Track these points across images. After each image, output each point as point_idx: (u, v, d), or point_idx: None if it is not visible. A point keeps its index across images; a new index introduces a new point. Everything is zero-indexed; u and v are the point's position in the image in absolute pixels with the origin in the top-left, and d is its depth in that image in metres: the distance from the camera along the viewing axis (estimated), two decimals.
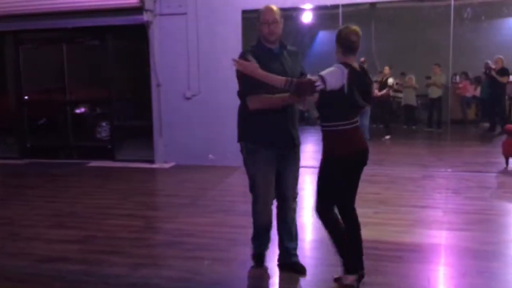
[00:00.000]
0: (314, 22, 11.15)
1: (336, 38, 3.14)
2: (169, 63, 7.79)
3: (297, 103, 3.34)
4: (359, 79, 3.07)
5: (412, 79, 12.09)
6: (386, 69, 10.82)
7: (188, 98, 7.81)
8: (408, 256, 3.74)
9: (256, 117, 3.29)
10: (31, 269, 3.69)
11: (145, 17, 7.48)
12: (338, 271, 3.27)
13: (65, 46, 8.61)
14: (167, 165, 7.90)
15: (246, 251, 3.97)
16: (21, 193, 6.39)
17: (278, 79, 3.04)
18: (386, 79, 10.69)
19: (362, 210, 5.04)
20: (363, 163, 3.19)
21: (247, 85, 3.27)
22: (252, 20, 10.37)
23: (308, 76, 3.23)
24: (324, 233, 4.39)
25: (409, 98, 12.30)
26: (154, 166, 7.93)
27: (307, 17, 10.59)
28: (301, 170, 7.71)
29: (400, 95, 12.77)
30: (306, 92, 3.06)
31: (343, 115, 3.08)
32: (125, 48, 8.94)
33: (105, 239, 4.36)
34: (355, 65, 3.13)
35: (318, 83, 2.96)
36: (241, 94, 3.38)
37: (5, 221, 5.00)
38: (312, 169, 7.49)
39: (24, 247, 4.17)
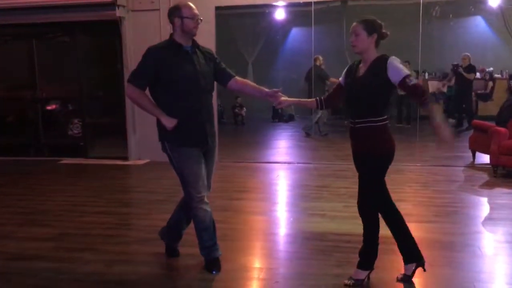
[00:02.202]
0: (287, 19, 11.23)
1: (370, 28, 3.03)
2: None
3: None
4: None
5: None
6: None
7: None
8: (380, 248, 3.81)
9: (172, 116, 3.28)
10: (2, 268, 3.64)
11: (118, 12, 7.40)
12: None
13: (35, 42, 8.45)
14: (141, 162, 7.85)
15: (223, 245, 3.98)
16: None
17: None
18: None
19: (332, 204, 5.21)
20: None
21: (133, 74, 3.34)
22: (225, 16, 10.44)
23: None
24: (296, 227, 4.53)
25: None
26: (127, 163, 7.88)
27: (280, 14, 10.65)
28: (276, 166, 7.80)
29: None
30: (423, 93, 2.96)
31: (388, 108, 3.07)
32: (97, 44, 8.81)
33: (79, 237, 4.33)
34: None
35: (414, 80, 2.92)
36: (129, 79, 3.36)
37: None
38: (286, 165, 7.61)
39: None
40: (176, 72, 3.27)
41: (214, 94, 8.04)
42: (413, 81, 2.91)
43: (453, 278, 3.34)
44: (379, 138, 3.05)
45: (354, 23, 3.07)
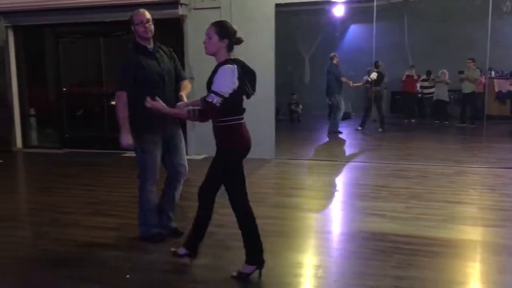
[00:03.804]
0: (346, 16, 11.09)
1: (222, 33, 3.13)
2: (202, 57, 7.78)
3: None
4: (246, 71, 3.18)
5: (445, 73, 11.92)
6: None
7: None
8: (443, 251, 3.72)
9: (138, 107, 3.60)
10: (72, 254, 3.83)
11: (180, 11, 7.59)
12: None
13: (102, 40, 8.82)
14: (199, 157, 8.00)
15: (278, 241, 4.05)
16: (61, 181, 6.60)
17: (183, 114, 3.30)
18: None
19: (392, 205, 5.10)
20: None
21: (122, 82, 3.77)
22: (285, 14, 10.41)
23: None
24: (354, 226, 4.47)
25: (441, 93, 12.15)
26: (187, 157, 8.03)
27: (339, 11, 10.55)
28: (332, 164, 7.72)
29: (431, 90, 12.63)
30: (210, 116, 3.13)
31: (237, 110, 3.19)
32: (159, 41, 9.06)
33: None
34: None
35: (216, 100, 3.00)
36: (118, 87, 3.81)
37: (48, 208, 5.20)
38: (343, 163, 7.52)
39: (66, 233, 4.33)
40: (144, 70, 3.76)
41: (272, 90, 8.07)
42: (212, 99, 2.99)
43: None
44: (226, 139, 3.18)
45: (208, 26, 3.21)
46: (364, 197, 5.50)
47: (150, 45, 3.86)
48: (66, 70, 9.08)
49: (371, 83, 11.04)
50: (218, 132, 3.23)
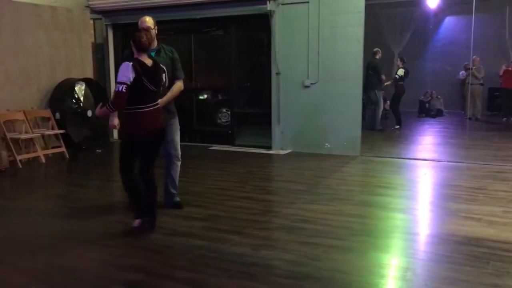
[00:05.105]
0: (441, 7, 10.57)
1: (132, 41, 4.01)
2: (289, 51, 7.89)
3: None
4: (145, 69, 3.90)
5: None
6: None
7: (306, 87, 7.85)
8: None
9: None
10: (162, 241, 4.01)
11: (269, 6, 7.65)
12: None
13: (193, 36, 9.13)
14: (283, 152, 8.04)
15: (364, 240, 3.96)
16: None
17: (102, 111, 4.02)
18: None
19: (489, 208, 4.77)
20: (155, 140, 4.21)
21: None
22: (375, 6, 10.08)
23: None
24: (446, 229, 4.24)
25: None
26: (271, 152, 8.12)
27: (433, 2, 10.10)
28: (422, 163, 7.39)
29: None
30: (119, 102, 3.89)
31: (141, 100, 3.96)
32: (247, 37, 9.18)
33: (227, 219, 4.57)
34: (146, 60, 3.99)
35: (121, 87, 3.81)
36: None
37: None
38: (433, 162, 7.17)
39: (156, 221, 4.54)
40: None
41: (359, 86, 7.87)
42: (118, 88, 3.82)
43: None
44: (124, 122, 4.07)
45: None
46: (457, 198, 5.19)
47: (153, 46, 4.38)
48: None
49: (399, 80, 10.74)
50: (123, 119, 4.06)
